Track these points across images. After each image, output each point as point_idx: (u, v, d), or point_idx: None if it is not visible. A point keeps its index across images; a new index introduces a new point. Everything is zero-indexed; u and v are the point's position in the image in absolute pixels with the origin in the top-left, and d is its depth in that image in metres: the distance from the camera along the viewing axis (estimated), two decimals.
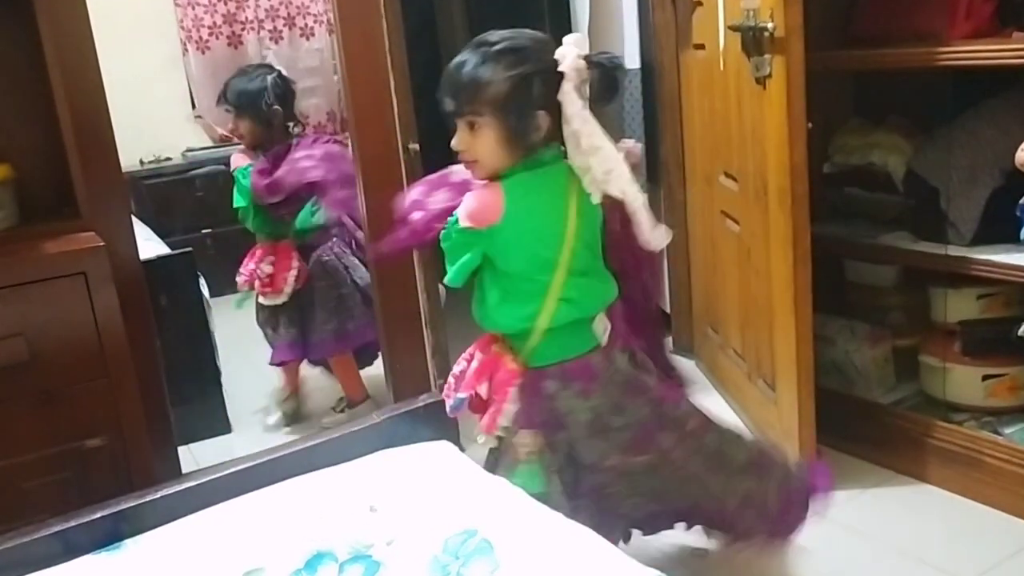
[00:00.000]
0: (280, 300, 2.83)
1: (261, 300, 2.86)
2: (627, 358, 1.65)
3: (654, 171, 3.18)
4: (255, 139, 2.78)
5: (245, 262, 2.85)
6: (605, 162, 1.51)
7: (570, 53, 1.47)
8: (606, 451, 1.58)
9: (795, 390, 2.24)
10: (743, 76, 2.29)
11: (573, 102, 1.47)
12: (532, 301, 1.55)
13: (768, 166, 2.23)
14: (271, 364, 2.95)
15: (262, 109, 2.74)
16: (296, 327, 2.88)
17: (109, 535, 1.20)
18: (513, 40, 1.51)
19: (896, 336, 2.51)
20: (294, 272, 2.82)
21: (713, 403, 2.83)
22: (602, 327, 1.63)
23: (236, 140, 2.82)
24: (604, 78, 1.50)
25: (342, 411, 2.97)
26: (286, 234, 2.84)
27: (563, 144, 1.57)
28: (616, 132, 3.10)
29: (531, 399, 1.57)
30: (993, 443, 2.17)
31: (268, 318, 2.89)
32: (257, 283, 2.82)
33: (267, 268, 2.82)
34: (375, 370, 3.01)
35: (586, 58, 1.48)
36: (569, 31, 3.08)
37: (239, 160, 2.82)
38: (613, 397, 1.60)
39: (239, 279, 2.86)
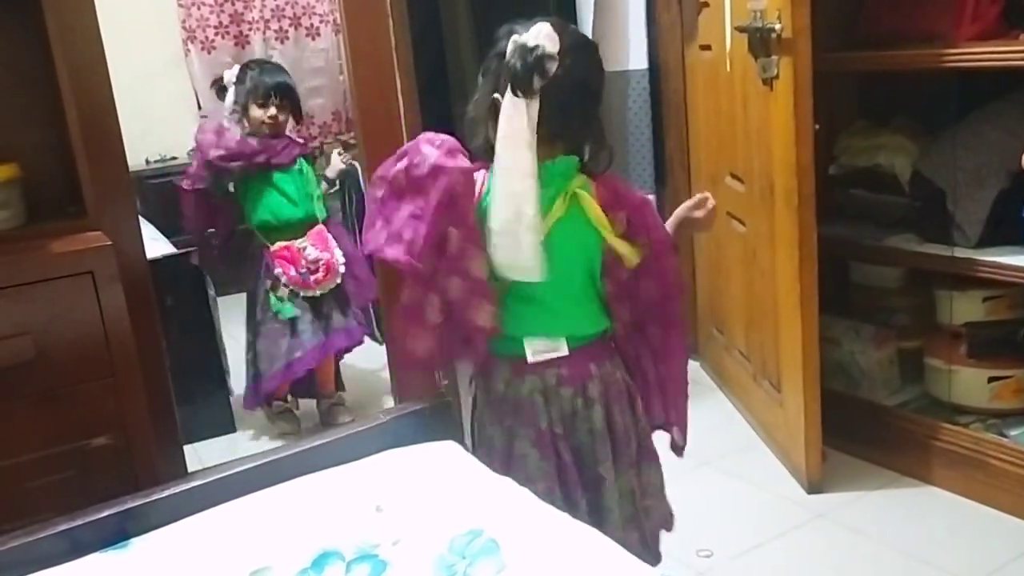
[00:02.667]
0: (333, 284, 2.83)
1: (308, 293, 2.80)
2: (572, 397, 1.50)
3: (660, 172, 3.18)
4: (282, 130, 2.83)
5: (280, 267, 2.79)
6: (501, 158, 1.38)
7: (521, 38, 1.36)
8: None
9: (800, 391, 2.24)
10: (749, 77, 2.29)
11: (507, 91, 1.37)
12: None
13: (774, 167, 2.23)
14: (306, 368, 2.86)
15: (298, 103, 2.88)
16: (331, 315, 2.85)
17: (116, 533, 1.20)
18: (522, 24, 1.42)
19: (901, 338, 2.51)
20: (339, 251, 2.85)
21: (718, 405, 2.84)
22: (541, 346, 1.49)
23: (261, 126, 2.80)
24: (520, 65, 1.35)
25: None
26: (316, 219, 2.85)
27: (582, 159, 1.48)
28: (623, 133, 3.13)
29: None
30: (998, 445, 2.16)
31: (307, 312, 2.81)
32: (314, 276, 2.79)
33: (324, 255, 2.81)
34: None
35: (524, 44, 1.35)
36: None
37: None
38: (493, 410, 1.54)
39: (285, 280, 2.79)
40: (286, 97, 2.81)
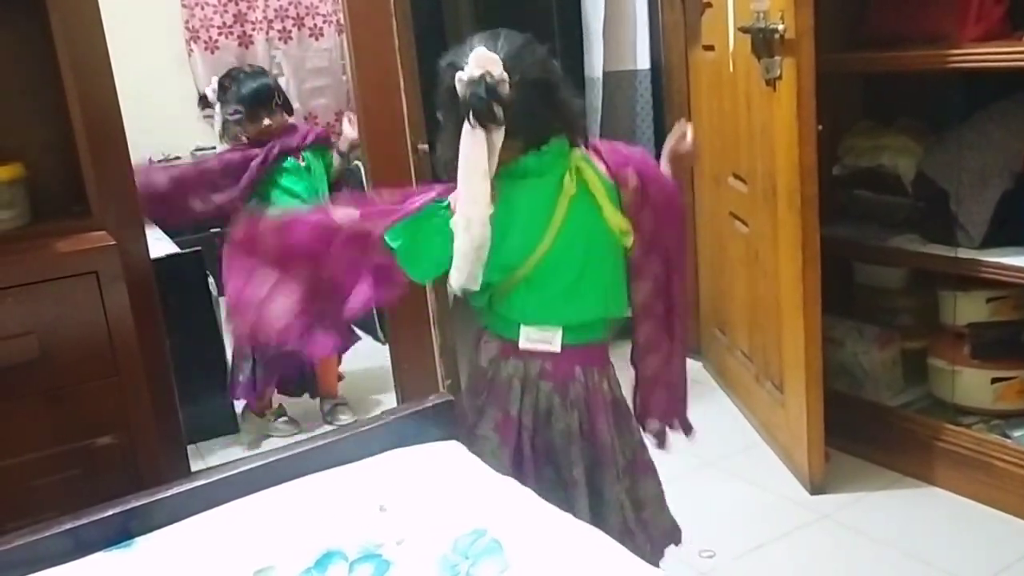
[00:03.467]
0: None
1: None
2: (549, 393, 1.52)
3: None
4: (282, 131, 2.82)
5: None
6: (461, 188, 1.39)
7: (464, 73, 1.37)
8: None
9: (803, 392, 2.24)
10: (752, 77, 2.29)
11: (465, 124, 1.38)
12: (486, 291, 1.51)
13: (777, 167, 2.23)
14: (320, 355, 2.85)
15: (284, 97, 2.86)
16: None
17: (120, 533, 1.20)
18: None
19: (905, 338, 2.50)
20: None
21: (721, 405, 2.83)
22: (535, 335, 1.51)
23: (258, 133, 2.80)
24: (476, 100, 1.36)
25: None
26: None
27: (570, 139, 1.50)
28: (627, 132, 3.13)
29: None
30: (1002, 446, 2.16)
31: None
32: None
33: None
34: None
35: (470, 79, 1.37)
36: (579, 32, 3.12)
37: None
38: (473, 384, 1.57)
39: None
40: (272, 101, 2.79)
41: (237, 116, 2.79)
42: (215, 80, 2.90)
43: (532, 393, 1.53)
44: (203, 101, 2.90)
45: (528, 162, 1.45)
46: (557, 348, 1.52)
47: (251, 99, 2.77)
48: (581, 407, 1.54)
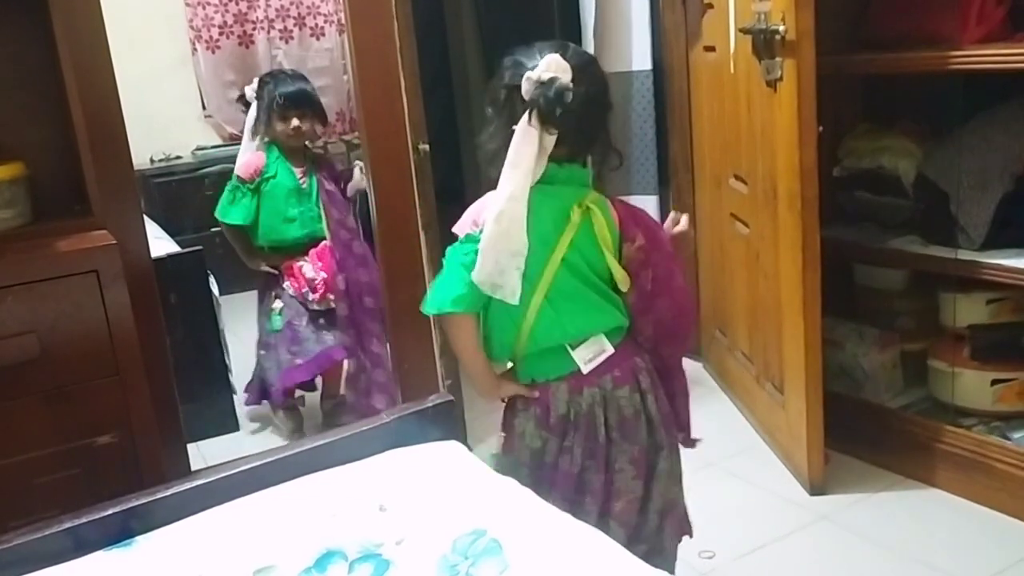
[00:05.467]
0: (332, 304, 2.84)
1: (316, 307, 2.84)
2: (629, 395, 1.55)
3: (663, 173, 3.18)
4: (311, 138, 2.86)
5: (292, 283, 2.83)
6: (504, 180, 1.44)
7: (535, 73, 1.42)
8: (542, 482, 1.54)
9: (803, 393, 2.24)
10: (753, 79, 2.29)
11: (522, 120, 1.43)
12: (511, 328, 1.53)
13: (778, 169, 2.23)
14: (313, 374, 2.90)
15: (320, 108, 2.88)
16: (329, 328, 2.87)
17: (121, 531, 1.20)
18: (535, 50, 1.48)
19: (905, 340, 2.51)
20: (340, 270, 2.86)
21: (721, 406, 2.83)
22: (588, 354, 1.54)
23: (287, 139, 2.82)
24: (543, 100, 1.41)
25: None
26: (322, 235, 2.86)
27: (590, 165, 1.53)
28: (625, 133, 3.13)
29: (505, 411, 1.63)
30: (1001, 448, 2.16)
31: (311, 323, 2.84)
32: (314, 296, 2.82)
33: (321, 275, 2.82)
34: None
35: (539, 80, 1.41)
36: (578, 32, 3.12)
37: (256, 163, 2.81)
38: (558, 432, 1.55)
39: (289, 292, 2.83)
40: (306, 106, 2.82)
41: (265, 116, 2.80)
42: (256, 80, 2.90)
43: (614, 407, 1.55)
44: (242, 99, 2.90)
45: (553, 169, 1.48)
46: (611, 348, 1.54)
47: (284, 99, 2.78)
48: (653, 392, 1.58)
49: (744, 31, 2.24)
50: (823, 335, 2.25)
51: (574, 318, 1.52)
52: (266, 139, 2.83)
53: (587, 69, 1.48)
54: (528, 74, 1.42)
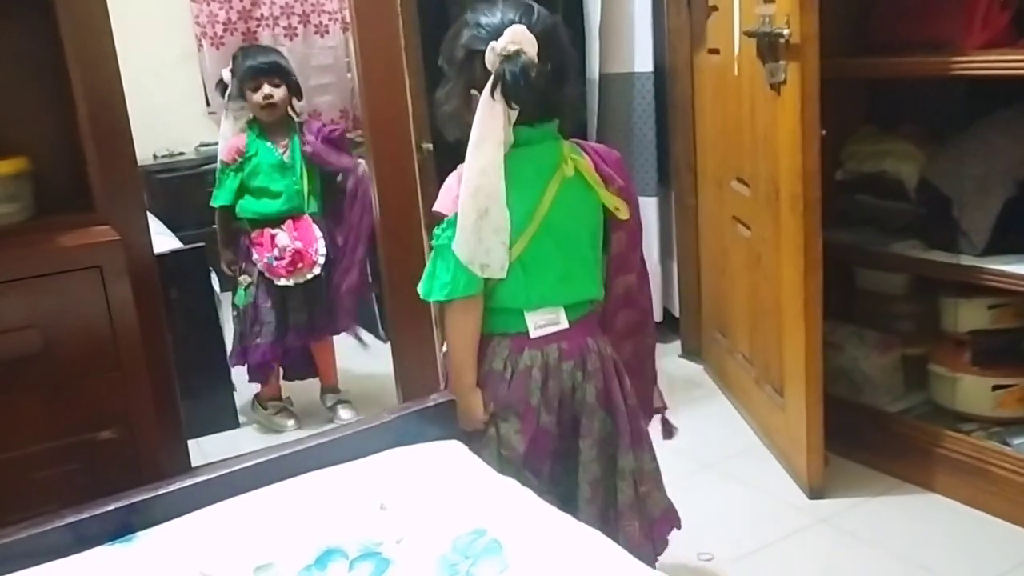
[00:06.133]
0: (312, 274, 2.83)
1: (284, 282, 2.81)
2: (571, 371, 1.54)
3: (665, 175, 3.18)
4: (283, 110, 2.83)
5: (256, 252, 2.82)
6: (473, 156, 1.42)
7: (499, 44, 1.40)
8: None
9: (803, 396, 2.24)
10: (757, 82, 2.29)
11: (485, 92, 1.41)
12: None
13: (780, 172, 2.23)
14: (265, 364, 2.89)
15: (294, 79, 2.86)
16: (309, 306, 2.87)
17: (121, 527, 1.20)
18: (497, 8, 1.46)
19: (905, 344, 2.51)
20: (322, 241, 2.85)
21: (720, 408, 2.84)
22: (541, 320, 1.53)
23: (261, 111, 2.81)
24: (508, 76, 1.39)
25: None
26: (303, 209, 2.85)
27: (561, 121, 1.54)
28: (623, 135, 3.13)
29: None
30: (1001, 453, 2.16)
31: (277, 302, 2.83)
32: (278, 263, 2.79)
33: (295, 244, 2.80)
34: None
35: (504, 53, 1.39)
36: (582, 33, 3.12)
37: (237, 145, 2.81)
38: (489, 391, 1.56)
39: (258, 267, 2.81)
40: (277, 75, 2.80)
41: (238, 91, 2.80)
42: (231, 60, 2.92)
43: (556, 378, 1.55)
44: (220, 84, 2.91)
45: (523, 132, 1.48)
46: (566, 323, 1.55)
47: (252, 69, 2.79)
48: (598, 376, 1.57)
49: (748, 34, 2.24)
50: (823, 338, 2.25)
51: (541, 288, 1.53)
52: (246, 120, 2.83)
53: (552, 38, 1.46)
54: (493, 44, 1.40)
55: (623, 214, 1.56)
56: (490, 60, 1.41)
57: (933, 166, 2.33)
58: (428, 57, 2.44)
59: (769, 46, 2.16)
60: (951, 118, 2.27)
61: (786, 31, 2.07)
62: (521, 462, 1.53)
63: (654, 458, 1.65)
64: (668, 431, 1.77)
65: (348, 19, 3.62)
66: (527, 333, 1.54)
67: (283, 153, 2.84)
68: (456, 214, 1.47)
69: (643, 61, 3.08)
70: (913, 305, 2.55)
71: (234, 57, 2.89)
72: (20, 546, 1.17)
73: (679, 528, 1.68)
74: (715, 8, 2.68)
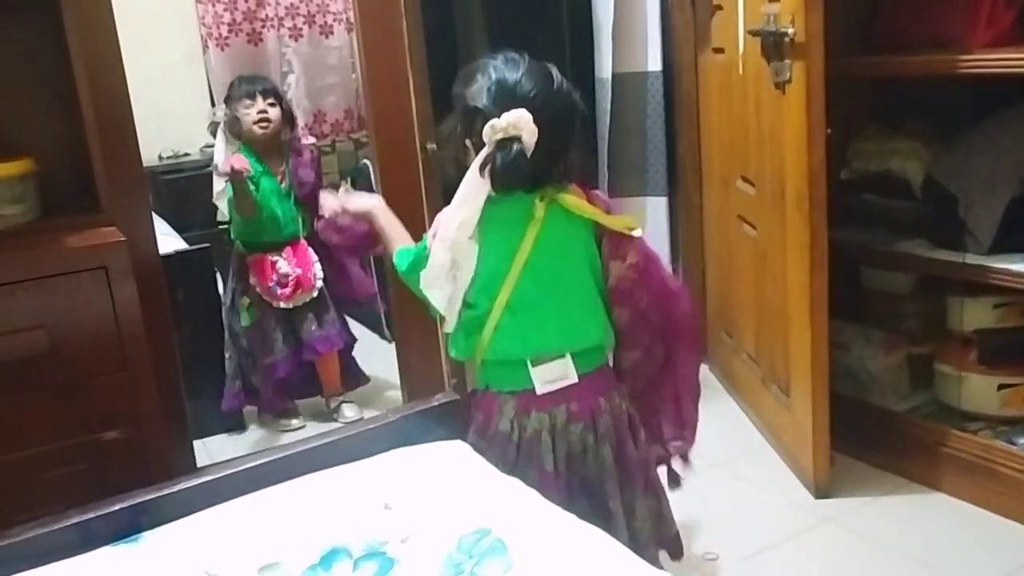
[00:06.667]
0: (309, 296, 2.85)
1: (284, 305, 2.84)
2: (581, 433, 1.49)
3: (671, 174, 3.17)
4: (277, 131, 2.85)
5: (256, 277, 2.84)
6: (455, 211, 1.44)
7: (500, 123, 1.37)
8: None
9: (809, 396, 2.24)
10: (762, 80, 2.29)
11: (475, 165, 1.41)
12: (475, 332, 1.51)
13: (786, 171, 2.23)
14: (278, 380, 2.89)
15: (288, 105, 2.91)
16: (311, 323, 2.89)
17: (127, 527, 1.21)
18: (501, 69, 1.44)
19: (912, 343, 2.50)
20: (318, 264, 2.88)
21: (726, 408, 2.83)
22: (548, 375, 1.48)
23: (257, 130, 2.82)
24: (499, 163, 1.38)
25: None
26: (299, 234, 2.88)
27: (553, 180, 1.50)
28: (636, 135, 3.12)
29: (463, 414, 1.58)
30: (1007, 453, 2.16)
31: (281, 321, 2.86)
32: (282, 291, 2.82)
33: (296, 271, 2.84)
34: None
35: (500, 136, 1.38)
36: (590, 34, 3.12)
37: (240, 162, 2.79)
38: (498, 449, 1.50)
39: (259, 290, 2.83)
40: (272, 95, 2.84)
41: (233, 114, 2.83)
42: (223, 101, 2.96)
43: (563, 440, 1.50)
44: (212, 125, 2.94)
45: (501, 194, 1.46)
46: (575, 377, 1.49)
47: (246, 90, 2.82)
48: (612, 438, 1.52)
49: (753, 33, 2.24)
50: (830, 337, 2.25)
51: (536, 331, 1.48)
52: (240, 143, 2.84)
53: (562, 119, 1.44)
54: (493, 122, 1.38)
55: (637, 231, 1.50)
56: (486, 134, 1.39)
57: (939, 165, 2.33)
58: (432, 57, 2.45)
59: (774, 45, 2.15)
60: (957, 116, 2.26)
61: (791, 30, 2.07)
62: None
63: (667, 500, 1.63)
64: (675, 480, 1.70)
65: (352, 20, 3.62)
66: (533, 390, 1.49)
67: (280, 180, 2.87)
68: (427, 247, 1.50)
69: (654, 60, 3.07)
70: (919, 304, 2.54)
71: (230, 85, 2.94)
72: (27, 546, 1.17)
73: (680, 558, 1.66)
74: (719, 7, 2.67)
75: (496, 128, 1.38)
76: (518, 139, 1.37)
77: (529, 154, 1.38)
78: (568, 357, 1.49)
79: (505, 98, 1.40)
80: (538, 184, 1.47)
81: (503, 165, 1.37)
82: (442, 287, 1.47)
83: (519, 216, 1.47)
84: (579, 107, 1.50)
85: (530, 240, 1.46)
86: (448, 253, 1.44)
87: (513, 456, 1.50)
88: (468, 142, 1.47)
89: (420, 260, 1.53)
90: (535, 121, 1.38)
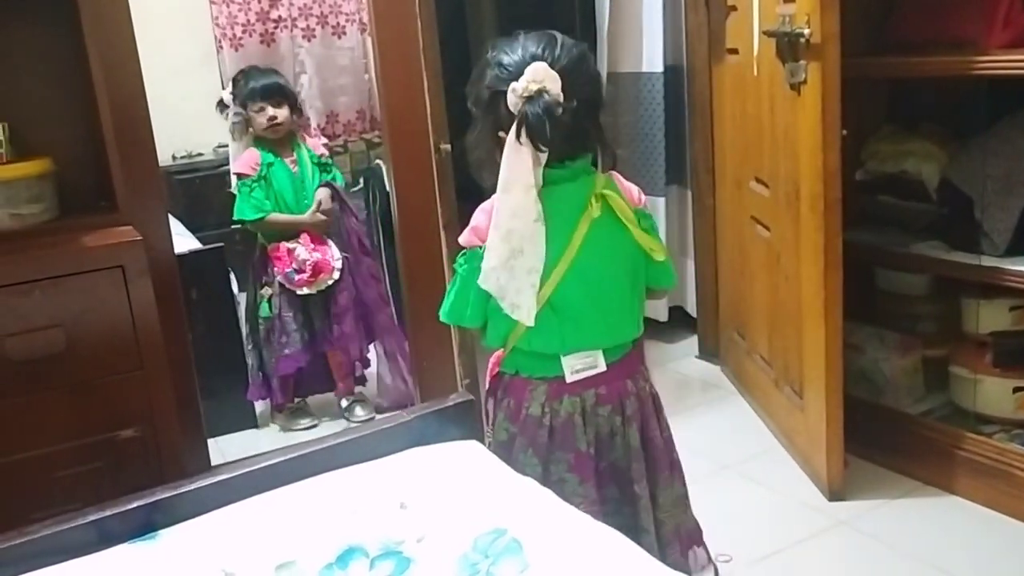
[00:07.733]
0: (332, 280, 2.87)
1: (305, 291, 2.84)
2: (609, 415, 1.51)
3: (683, 175, 3.17)
4: (287, 129, 2.88)
5: (275, 265, 2.85)
6: (504, 200, 1.39)
7: (520, 85, 1.34)
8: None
9: (823, 398, 2.23)
10: (777, 81, 2.28)
11: (510, 136, 1.37)
12: (507, 323, 1.49)
13: (800, 172, 2.22)
14: (294, 367, 2.91)
15: (295, 99, 2.93)
16: (331, 312, 2.91)
17: (143, 525, 1.21)
18: (531, 42, 1.41)
19: (926, 346, 2.49)
20: (335, 247, 2.90)
21: (738, 409, 2.83)
22: (578, 364, 1.49)
23: (266, 132, 2.85)
24: (532, 118, 1.34)
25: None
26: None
27: (596, 156, 1.49)
28: (629, 134, 3.12)
29: (487, 396, 1.62)
30: (1022, 456, 2.14)
31: (301, 311, 2.87)
32: (299, 276, 2.83)
33: (314, 256, 2.85)
34: None
35: (525, 94, 1.34)
36: (596, 32, 3.12)
37: (252, 158, 2.83)
38: (529, 433, 1.51)
39: (279, 279, 2.84)
40: (279, 95, 2.86)
41: (239, 116, 2.85)
42: (231, 82, 2.97)
43: (592, 423, 1.51)
44: (220, 104, 2.95)
45: (553, 173, 1.43)
46: (603, 367, 1.50)
47: (256, 92, 2.83)
48: (638, 419, 1.53)
49: (768, 34, 2.23)
50: (844, 339, 2.24)
51: (574, 331, 1.48)
52: (251, 139, 2.88)
53: (577, 70, 1.40)
54: (514, 85, 1.35)
55: (659, 255, 1.49)
56: (512, 102, 1.36)
57: (954, 166, 2.31)
58: (445, 58, 2.46)
59: (789, 46, 2.15)
60: (972, 118, 2.25)
61: (806, 31, 2.06)
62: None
63: (684, 482, 1.63)
64: None
65: (366, 20, 3.62)
66: (563, 377, 1.50)
67: (293, 167, 2.89)
68: (480, 248, 1.45)
69: (653, 61, 3.07)
70: (934, 306, 2.53)
71: (235, 80, 2.93)
72: (44, 544, 1.18)
73: (699, 546, 1.66)
74: (734, 8, 2.67)
75: (518, 90, 1.35)
76: (544, 91, 1.34)
77: (559, 109, 1.34)
78: (599, 351, 1.51)
79: (516, 69, 1.38)
80: (582, 147, 1.45)
81: (537, 117, 1.33)
82: (500, 283, 1.43)
83: (571, 210, 1.44)
84: (591, 60, 1.48)
85: (579, 238, 1.44)
86: (506, 244, 1.40)
87: (545, 440, 1.51)
88: (500, 133, 1.43)
89: (470, 278, 1.47)
90: (564, 90, 1.36)
